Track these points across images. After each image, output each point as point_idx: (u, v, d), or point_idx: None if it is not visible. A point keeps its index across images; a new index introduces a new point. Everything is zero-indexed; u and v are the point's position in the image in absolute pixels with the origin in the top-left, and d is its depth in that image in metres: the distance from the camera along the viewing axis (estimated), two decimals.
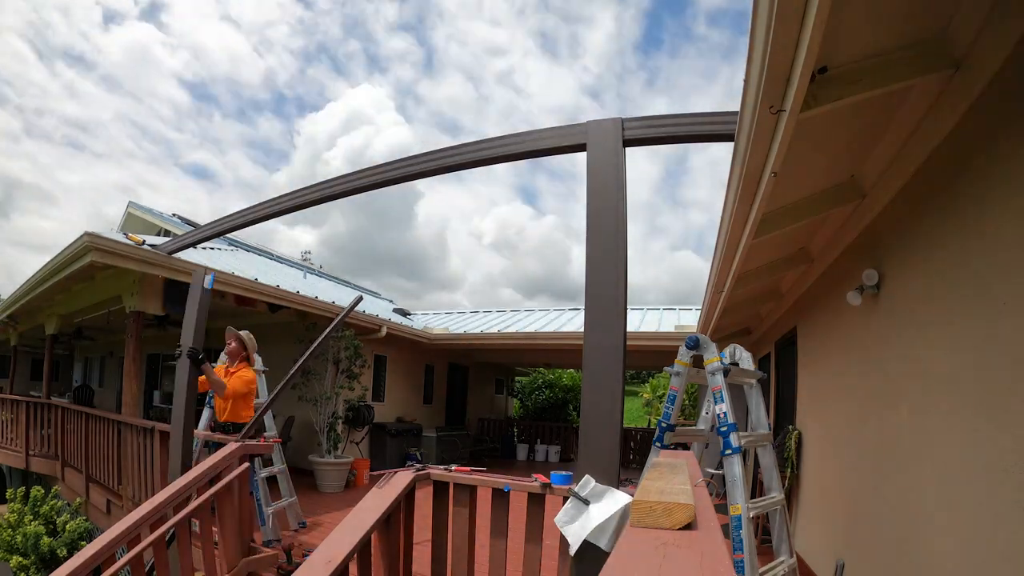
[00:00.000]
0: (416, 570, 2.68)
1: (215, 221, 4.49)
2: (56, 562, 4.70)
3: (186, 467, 3.70)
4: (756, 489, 4.38)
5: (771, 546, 3.00)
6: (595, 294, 2.47)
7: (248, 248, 10.71)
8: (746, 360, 2.69)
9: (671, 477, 1.63)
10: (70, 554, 4.64)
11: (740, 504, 2.39)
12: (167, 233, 9.17)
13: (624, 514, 2.14)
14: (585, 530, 2.18)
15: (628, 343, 2.53)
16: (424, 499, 2.68)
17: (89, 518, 5.59)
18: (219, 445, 3.77)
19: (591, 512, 2.21)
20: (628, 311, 2.62)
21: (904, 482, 2.56)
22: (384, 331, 8.47)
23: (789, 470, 4.57)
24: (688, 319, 8.92)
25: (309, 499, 6.16)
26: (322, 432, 7.20)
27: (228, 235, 5.32)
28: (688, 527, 1.17)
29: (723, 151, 2.42)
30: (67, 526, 5.14)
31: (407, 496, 2.53)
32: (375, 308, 9.99)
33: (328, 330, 3.48)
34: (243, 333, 4.48)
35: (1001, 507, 1.77)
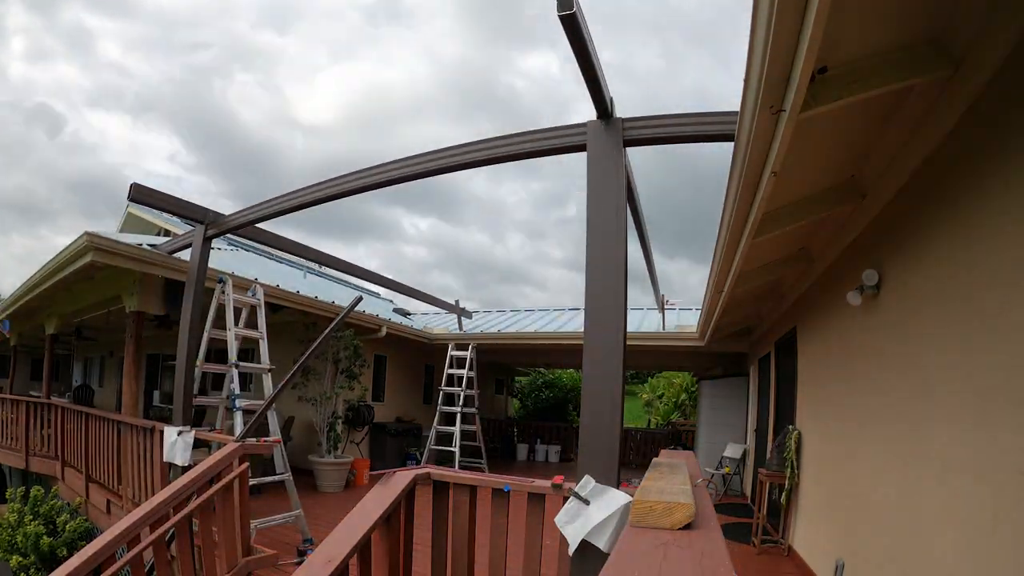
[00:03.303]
0: (416, 570, 2.68)
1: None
2: (56, 562, 4.70)
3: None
4: (756, 487, 4.35)
5: (771, 545, 3.00)
6: (595, 294, 2.47)
7: (248, 248, 10.70)
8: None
9: (671, 477, 1.63)
10: (70, 554, 4.63)
11: None
12: (167, 233, 9.17)
13: (624, 514, 2.14)
14: (584, 529, 2.18)
15: (628, 343, 2.53)
16: (424, 499, 2.68)
17: (89, 518, 5.59)
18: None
19: (591, 512, 2.22)
20: (628, 311, 2.62)
21: (904, 482, 2.56)
22: (384, 331, 8.48)
23: (789, 470, 4.57)
24: (688, 319, 8.91)
25: (309, 499, 6.15)
26: (322, 432, 7.20)
27: (228, 235, 5.32)
28: (688, 527, 1.17)
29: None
30: (67, 526, 5.14)
31: (407, 496, 2.53)
32: (375, 308, 9.99)
33: (328, 330, 3.48)
34: None
35: (1001, 506, 1.77)
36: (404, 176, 3.31)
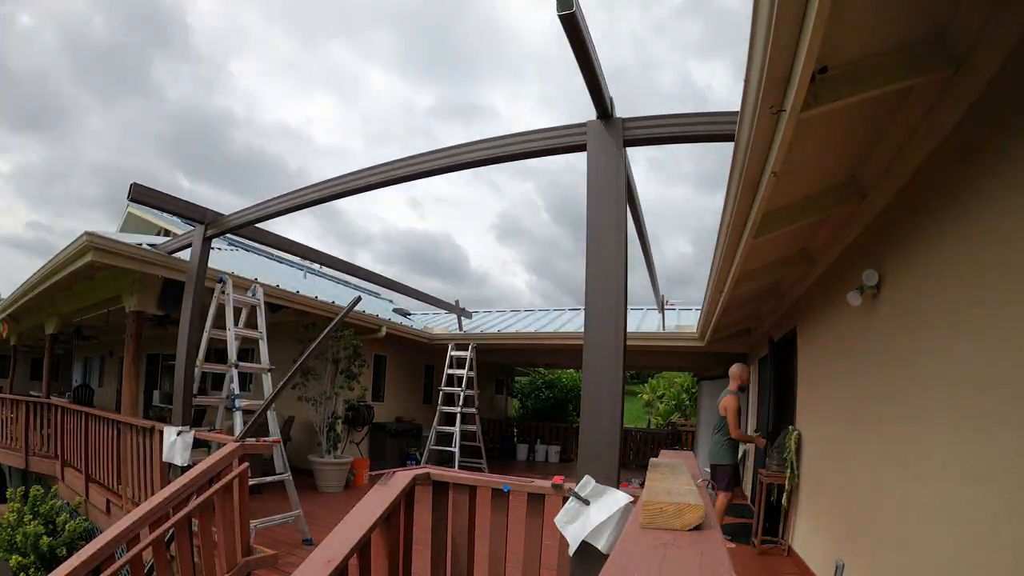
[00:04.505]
0: (416, 570, 2.68)
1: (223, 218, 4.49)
2: (56, 561, 4.70)
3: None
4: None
5: (771, 545, 3.00)
6: (595, 294, 2.47)
7: (248, 247, 10.70)
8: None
9: (673, 477, 1.63)
10: (70, 553, 4.63)
11: None
12: (167, 233, 9.17)
13: (624, 514, 2.14)
14: (585, 530, 2.18)
15: (628, 343, 2.53)
16: (424, 499, 2.68)
17: (89, 518, 5.59)
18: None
19: (591, 512, 2.21)
20: (628, 311, 2.62)
21: (904, 482, 2.56)
22: (384, 331, 8.48)
23: (789, 471, 4.57)
24: (688, 319, 8.91)
25: (308, 499, 6.16)
26: (322, 432, 7.20)
27: (229, 234, 5.32)
28: (695, 528, 1.17)
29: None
30: (67, 526, 5.14)
31: (407, 496, 2.53)
32: (375, 308, 9.99)
33: (327, 330, 3.48)
34: None
35: (1001, 507, 1.77)
36: (405, 176, 3.31)
